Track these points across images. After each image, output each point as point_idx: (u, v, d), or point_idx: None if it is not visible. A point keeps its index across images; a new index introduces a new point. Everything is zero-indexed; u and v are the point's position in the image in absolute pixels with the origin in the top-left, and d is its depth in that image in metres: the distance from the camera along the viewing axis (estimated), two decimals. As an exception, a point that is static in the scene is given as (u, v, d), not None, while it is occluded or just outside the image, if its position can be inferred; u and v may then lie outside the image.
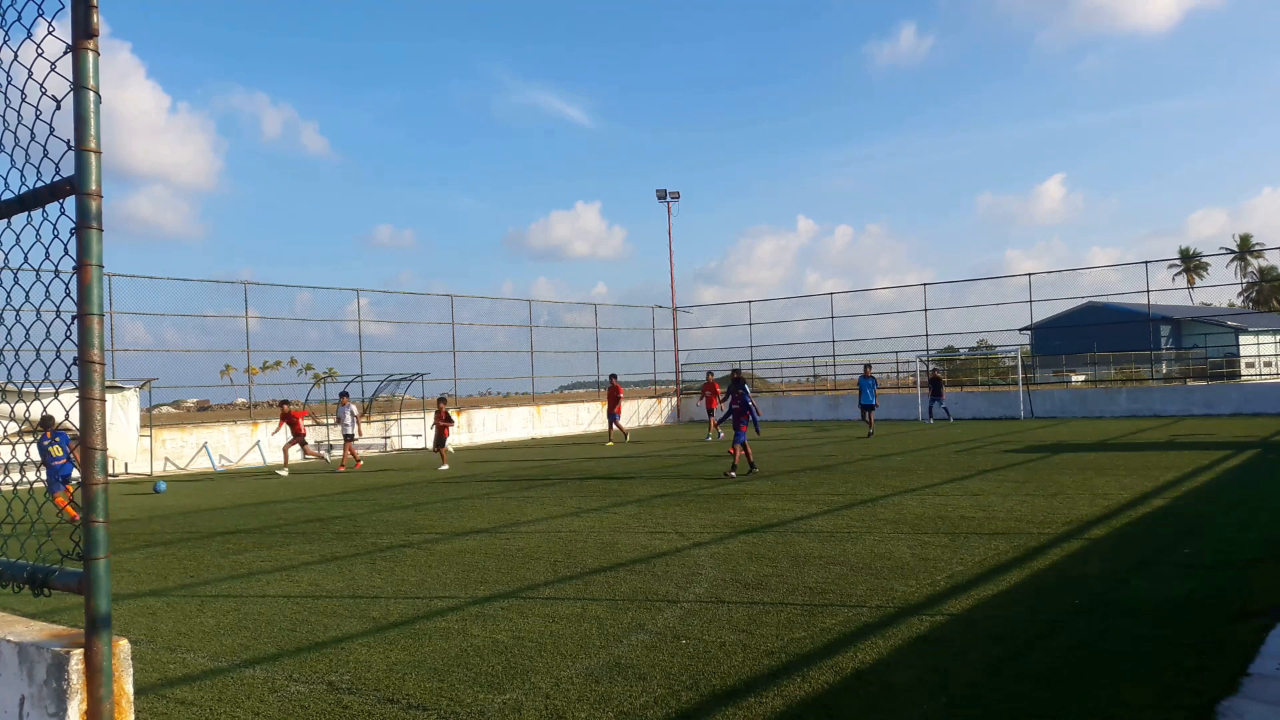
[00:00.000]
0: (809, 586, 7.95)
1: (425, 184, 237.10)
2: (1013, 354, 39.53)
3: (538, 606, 7.66)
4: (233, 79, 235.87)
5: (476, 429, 34.63)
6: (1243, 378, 48.02)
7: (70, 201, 2.61)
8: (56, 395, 3.03)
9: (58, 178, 2.66)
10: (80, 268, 2.51)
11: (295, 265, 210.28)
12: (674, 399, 44.04)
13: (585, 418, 39.18)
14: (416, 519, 13.47)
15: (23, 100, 2.87)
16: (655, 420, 42.48)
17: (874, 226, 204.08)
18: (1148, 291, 34.76)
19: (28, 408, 20.36)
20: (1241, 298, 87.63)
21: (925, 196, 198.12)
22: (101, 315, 2.51)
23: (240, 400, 65.95)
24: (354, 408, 24.81)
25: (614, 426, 29.77)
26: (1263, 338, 57.85)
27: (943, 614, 6.84)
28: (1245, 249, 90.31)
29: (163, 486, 20.56)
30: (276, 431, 24.85)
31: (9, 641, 2.66)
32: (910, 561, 8.81)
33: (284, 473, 22.65)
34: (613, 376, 31.19)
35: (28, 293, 3.02)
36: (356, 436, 24.45)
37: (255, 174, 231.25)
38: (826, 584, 8.01)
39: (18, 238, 2.87)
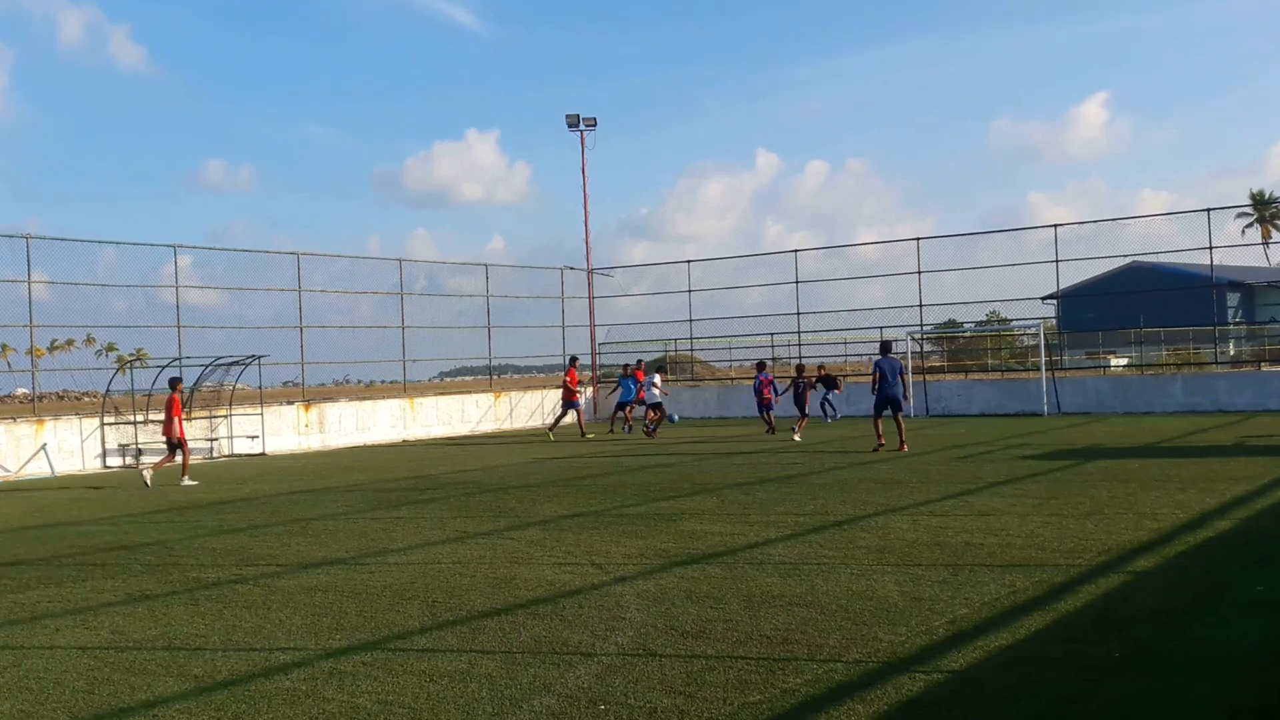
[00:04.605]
0: (766, 635, 7.99)
1: (269, 107, 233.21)
2: (1034, 330, 40.06)
3: (410, 661, 7.64)
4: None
5: (330, 428, 34.39)
6: (1333, 361, 49.03)
7: None
8: None
9: None
10: None
11: (99, 214, 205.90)
12: (589, 388, 43.96)
13: (473, 413, 39.01)
14: (252, 546, 13.48)
15: None
16: (565, 416, 42.34)
17: (856, 163, 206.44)
18: (1210, 249, 35.30)
19: None
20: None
21: (924, 123, 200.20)
22: None
23: (21, 391, 64.30)
24: None
25: None
26: (1361, 309, 58.80)
27: (941, 671, 6.92)
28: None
29: (675, 418, 31.41)
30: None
31: None
32: (899, 602, 8.90)
33: (188, 482, 22.57)
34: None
35: None
36: None
37: (47, 93, 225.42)
38: (789, 632, 8.05)
39: None
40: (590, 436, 33.16)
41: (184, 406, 23.79)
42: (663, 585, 9.96)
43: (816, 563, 10.82)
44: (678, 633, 8.18)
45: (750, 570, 10.54)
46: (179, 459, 23.05)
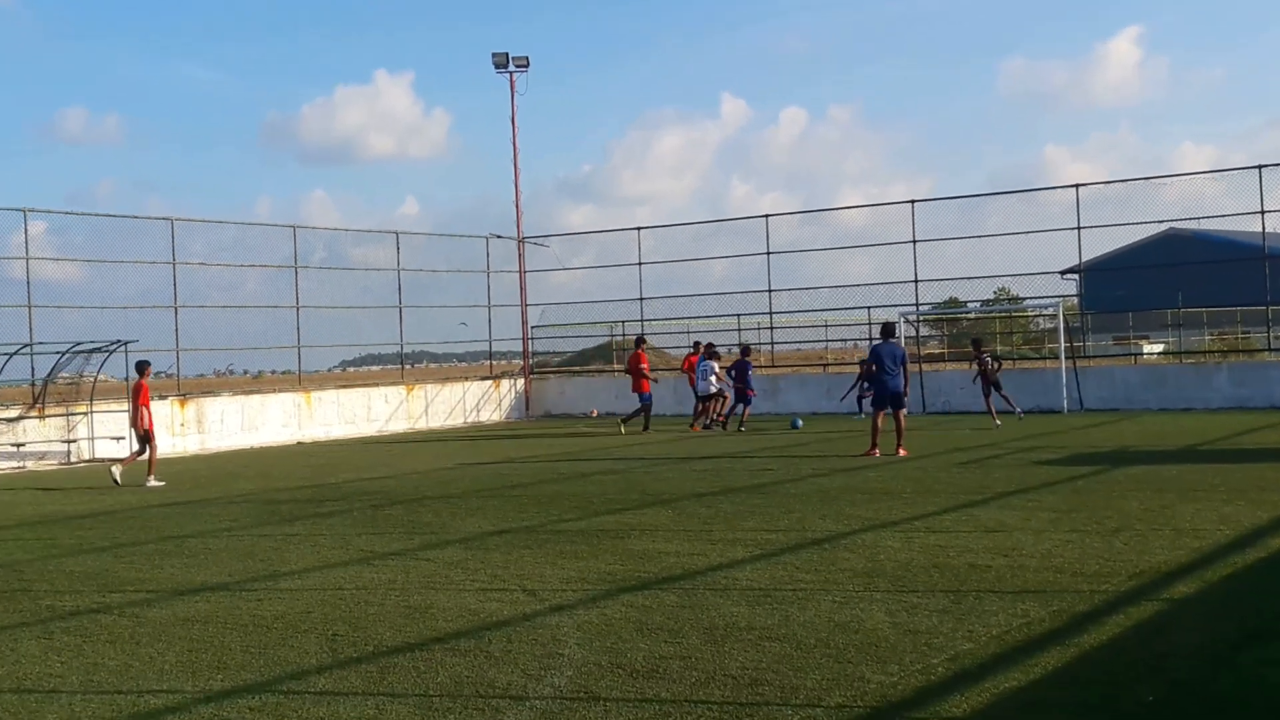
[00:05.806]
0: (732, 675, 8.01)
1: (138, 45, 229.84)
2: (1051, 310, 40.19)
3: (307, 706, 7.65)
4: None
5: (210, 429, 34.18)
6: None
7: None
8: None
9: None
10: None
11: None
12: (519, 380, 43.89)
13: (381, 409, 38.83)
14: (117, 569, 13.46)
15: None
16: (492, 414, 42.32)
17: (840, 110, 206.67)
18: (1262, 213, 35.41)
19: None
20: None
21: (921, 64, 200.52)
22: None
23: None
24: None
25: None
26: None
27: (940, 717, 6.96)
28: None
29: (799, 423, 33.23)
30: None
31: None
32: (890, 635, 8.95)
33: (154, 482, 23.49)
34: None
35: None
36: None
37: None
38: (759, 671, 8.07)
39: None
40: (633, 431, 33.78)
41: (145, 394, 24.89)
42: (608, 615, 9.97)
43: (792, 588, 10.85)
44: (626, 672, 8.18)
45: (712, 597, 10.56)
46: (148, 454, 24.15)
